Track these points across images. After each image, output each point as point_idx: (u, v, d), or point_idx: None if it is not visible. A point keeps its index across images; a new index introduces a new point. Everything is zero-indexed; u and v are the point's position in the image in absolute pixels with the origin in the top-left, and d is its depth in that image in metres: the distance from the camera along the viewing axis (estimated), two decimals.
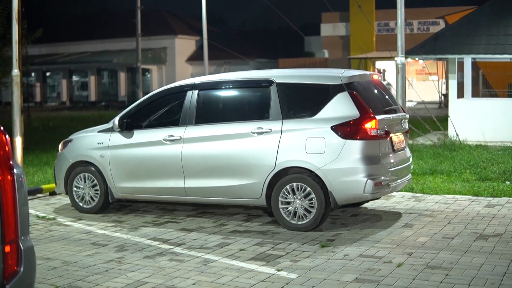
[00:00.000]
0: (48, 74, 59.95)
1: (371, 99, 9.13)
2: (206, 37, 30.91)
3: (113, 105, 48.94)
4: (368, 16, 37.14)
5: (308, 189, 8.68)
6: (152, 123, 10.00)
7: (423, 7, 45.18)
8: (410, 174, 9.87)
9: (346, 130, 8.61)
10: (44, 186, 12.10)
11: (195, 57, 53.87)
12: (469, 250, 7.61)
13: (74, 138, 10.61)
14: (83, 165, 10.24)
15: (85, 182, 10.20)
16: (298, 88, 9.25)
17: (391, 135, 9.04)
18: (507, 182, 12.02)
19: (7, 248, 3.89)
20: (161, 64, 55.10)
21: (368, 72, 10.22)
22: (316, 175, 8.65)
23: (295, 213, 8.77)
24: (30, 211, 10.16)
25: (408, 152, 9.85)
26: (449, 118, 19.20)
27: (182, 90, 9.79)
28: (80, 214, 10.15)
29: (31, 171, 14.19)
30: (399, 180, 9.22)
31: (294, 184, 8.77)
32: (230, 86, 9.72)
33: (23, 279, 3.97)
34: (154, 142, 9.68)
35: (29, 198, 11.14)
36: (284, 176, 8.85)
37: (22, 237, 4.01)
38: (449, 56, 19.91)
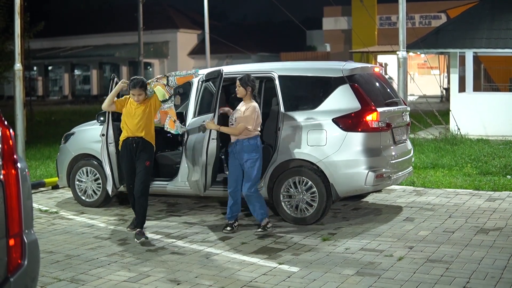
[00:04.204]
0: (50, 68, 59.90)
1: (372, 92, 9.16)
2: (208, 31, 30.94)
3: None
4: (369, 10, 37.05)
5: (310, 182, 8.71)
6: None
7: (424, 1, 45.05)
8: (411, 167, 9.90)
9: (347, 122, 8.64)
10: (46, 180, 12.14)
11: (197, 51, 53.82)
12: (470, 244, 7.64)
13: (76, 131, 10.64)
14: (86, 159, 10.27)
15: (87, 176, 10.23)
16: (299, 80, 9.27)
17: (392, 127, 9.06)
18: (508, 176, 12.04)
19: (11, 242, 3.93)
20: (163, 58, 55.04)
21: (369, 65, 10.25)
22: (318, 167, 8.69)
23: (296, 206, 8.80)
24: (33, 205, 10.20)
25: (409, 145, 9.88)
26: (450, 112, 19.20)
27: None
28: (83, 207, 10.19)
29: (34, 165, 14.22)
30: (400, 173, 9.25)
31: (296, 178, 8.80)
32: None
33: (27, 272, 4.01)
34: None
35: (31, 192, 11.17)
36: (286, 169, 8.88)
37: (26, 231, 4.04)
38: (451, 50, 19.90)
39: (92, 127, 10.38)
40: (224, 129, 8.44)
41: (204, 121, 8.71)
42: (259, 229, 8.29)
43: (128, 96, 8.56)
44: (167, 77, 8.66)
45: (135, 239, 8.03)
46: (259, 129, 8.43)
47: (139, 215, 8.28)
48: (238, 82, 8.43)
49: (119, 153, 8.69)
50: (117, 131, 9.42)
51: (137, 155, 8.37)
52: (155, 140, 8.64)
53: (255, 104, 8.33)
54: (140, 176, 8.31)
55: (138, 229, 8.17)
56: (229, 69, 9.98)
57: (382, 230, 8.43)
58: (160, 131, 10.68)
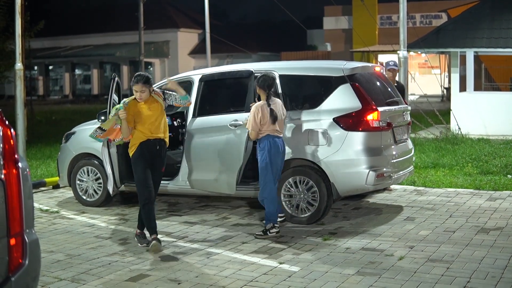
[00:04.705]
0: (50, 67, 59.89)
1: (373, 91, 9.16)
2: (208, 31, 30.94)
3: None
4: (370, 10, 37.01)
5: (311, 182, 8.71)
6: None
7: (425, 0, 45.01)
8: (412, 166, 9.90)
9: (348, 121, 8.64)
10: (47, 180, 12.14)
11: (198, 51, 53.81)
12: (471, 243, 7.64)
13: (77, 131, 10.65)
14: (86, 158, 10.27)
15: (88, 175, 10.23)
16: (300, 80, 9.27)
17: (393, 126, 9.06)
18: (509, 176, 12.04)
19: (13, 241, 3.93)
20: (164, 58, 55.04)
21: (370, 64, 10.25)
22: (319, 167, 8.69)
23: (297, 206, 8.80)
24: (34, 204, 10.20)
25: (410, 144, 9.88)
26: (451, 111, 19.19)
27: (185, 82, 9.82)
28: (83, 207, 10.19)
29: (34, 165, 14.23)
30: (401, 172, 9.25)
31: (297, 177, 8.80)
32: (232, 78, 9.75)
33: (28, 272, 4.01)
34: None
35: (32, 191, 11.17)
36: (287, 169, 8.87)
37: (27, 230, 4.05)
38: (452, 50, 19.90)
39: (93, 126, 10.35)
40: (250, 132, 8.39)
41: (236, 120, 8.76)
42: (260, 232, 8.23)
43: (131, 102, 7.87)
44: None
45: (138, 243, 7.91)
46: (267, 128, 8.19)
47: (152, 220, 7.78)
48: None
49: (135, 156, 7.81)
50: None
51: (155, 158, 7.86)
52: None
53: (256, 103, 8.30)
54: (157, 183, 7.98)
55: (139, 231, 8.03)
56: (229, 68, 10.02)
57: (383, 229, 8.43)
58: None
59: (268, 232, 8.12)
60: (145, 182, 7.75)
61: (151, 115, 7.79)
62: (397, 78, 12.25)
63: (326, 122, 8.72)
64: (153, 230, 7.69)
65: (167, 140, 7.98)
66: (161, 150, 7.89)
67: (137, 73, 7.95)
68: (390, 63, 11.75)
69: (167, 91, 8.11)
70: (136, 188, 7.93)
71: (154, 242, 7.54)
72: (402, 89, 11.54)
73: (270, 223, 8.15)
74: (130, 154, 7.87)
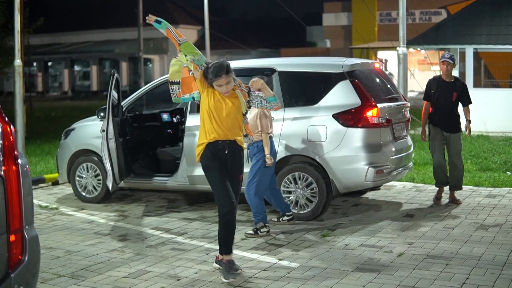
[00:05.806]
0: (50, 63, 59.91)
1: (372, 88, 9.16)
2: (208, 27, 30.90)
3: None
4: (370, 6, 37.01)
5: (310, 178, 8.72)
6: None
7: None
8: (411, 163, 9.91)
9: (348, 118, 8.64)
10: (46, 176, 12.14)
11: (197, 47, 52.40)
12: (470, 240, 7.65)
13: (76, 127, 10.65)
14: (86, 155, 10.27)
15: (87, 171, 10.23)
16: (300, 76, 9.27)
17: (392, 123, 9.06)
18: (508, 173, 12.05)
19: (12, 237, 3.93)
20: (163, 54, 55.04)
21: (369, 61, 10.25)
22: (318, 163, 8.69)
23: (296, 202, 8.81)
24: (33, 201, 10.20)
25: (409, 141, 9.89)
26: None
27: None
28: (83, 203, 10.19)
29: (33, 161, 14.23)
30: (400, 168, 9.25)
31: (296, 173, 8.80)
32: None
33: (27, 268, 4.01)
34: None
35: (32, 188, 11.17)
36: (286, 165, 8.87)
37: (27, 227, 4.05)
38: (451, 47, 19.89)
39: (92, 122, 10.38)
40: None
41: None
42: (250, 231, 8.14)
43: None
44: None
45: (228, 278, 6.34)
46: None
47: (230, 237, 6.60)
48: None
49: (204, 159, 6.51)
50: (117, 127, 9.44)
51: (228, 164, 6.53)
52: (157, 135, 8.43)
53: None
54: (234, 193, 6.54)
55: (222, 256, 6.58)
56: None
57: (382, 226, 8.44)
58: (160, 127, 10.71)
59: (258, 231, 8.07)
60: (223, 187, 6.44)
61: (228, 112, 6.44)
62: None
63: (325, 118, 8.72)
64: (229, 250, 6.53)
65: (240, 143, 6.59)
66: (233, 154, 6.51)
67: (213, 64, 6.46)
68: (445, 55, 9.84)
69: (253, 91, 6.68)
70: (214, 196, 6.67)
71: (239, 271, 6.36)
72: (464, 86, 10.75)
73: (260, 222, 8.10)
74: (197, 156, 6.60)
